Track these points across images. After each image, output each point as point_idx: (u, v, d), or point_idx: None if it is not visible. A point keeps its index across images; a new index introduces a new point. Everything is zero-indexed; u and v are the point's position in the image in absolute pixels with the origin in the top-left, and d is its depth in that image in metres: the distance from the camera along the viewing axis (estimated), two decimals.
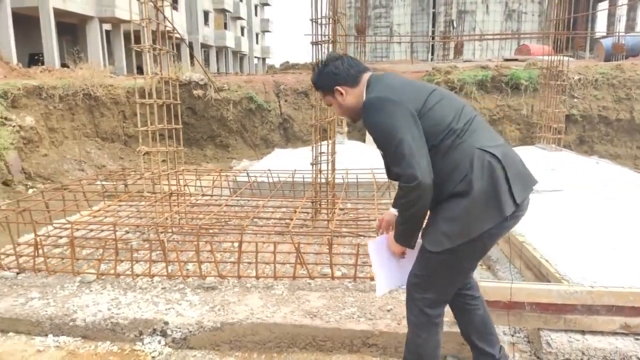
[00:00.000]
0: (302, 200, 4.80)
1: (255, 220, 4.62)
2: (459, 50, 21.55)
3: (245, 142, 11.09)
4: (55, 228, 4.42)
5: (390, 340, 2.70)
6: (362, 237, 4.09)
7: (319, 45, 4.24)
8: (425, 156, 1.90)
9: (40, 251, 3.54)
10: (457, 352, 2.67)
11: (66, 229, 4.33)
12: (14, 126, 8.10)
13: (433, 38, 28.29)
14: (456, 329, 2.65)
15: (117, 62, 24.41)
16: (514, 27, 28.57)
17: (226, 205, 5.04)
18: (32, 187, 7.64)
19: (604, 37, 19.77)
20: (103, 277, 3.44)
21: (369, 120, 2.02)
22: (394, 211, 2.23)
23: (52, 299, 3.14)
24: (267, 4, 59.27)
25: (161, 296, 3.16)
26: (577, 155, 7.53)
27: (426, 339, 2.12)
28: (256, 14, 55.23)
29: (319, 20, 4.21)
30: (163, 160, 4.39)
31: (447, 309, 2.24)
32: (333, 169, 4.72)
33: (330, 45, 4.33)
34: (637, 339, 2.50)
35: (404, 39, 25.79)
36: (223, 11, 42.18)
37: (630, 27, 24.58)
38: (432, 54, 28.42)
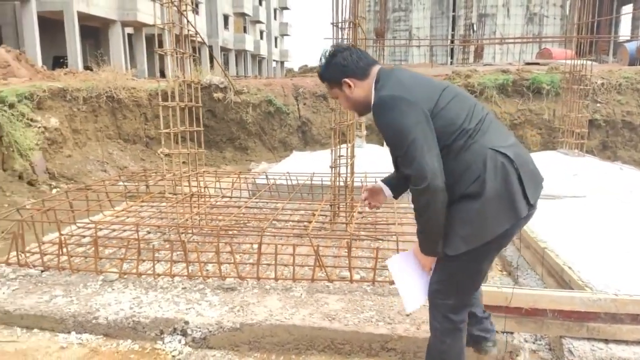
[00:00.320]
0: (321, 203, 4.81)
1: (274, 222, 4.64)
2: (479, 54, 21.39)
3: (264, 144, 11.15)
4: (79, 227, 4.51)
5: (409, 345, 2.69)
6: (380, 241, 4.09)
7: None
8: (436, 158, 1.87)
9: (64, 250, 3.62)
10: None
11: (89, 228, 4.42)
12: (39, 127, 8.27)
13: (452, 41, 28.11)
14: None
15: (138, 65, 24.77)
16: (535, 30, 28.26)
17: (245, 207, 5.08)
18: (55, 187, 7.80)
19: (627, 40, 19.43)
20: (125, 276, 3.49)
21: (380, 119, 1.96)
22: (382, 185, 2.30)
23: (76, 297, 3.21)
24: (287, 8, 59.56)
25: (182, 296, 3.20)
26: (600, 160, 7.40)
27: (450, 345, 2.09)
28: (275, 18, 55.56)
29: (340, 24, 4.23)
30: (183, 162, 4.45)
31: None
32: (352, 172, 4.72)
33: None
34: None
35: (423, 42, 25.68)
36: (243, 15, 42.55)
37: None
38: (452, 58, 28.26)
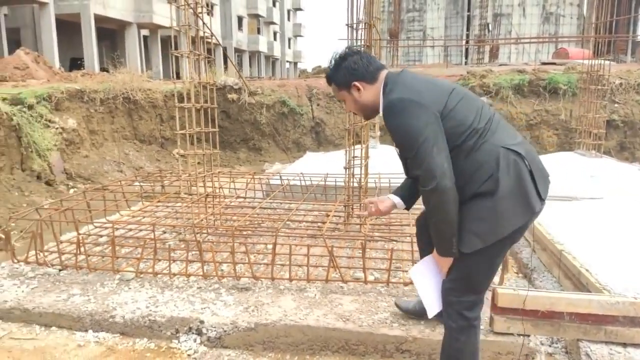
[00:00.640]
0: (335, 204, 4.82)
1: (288, 223, 4.66)
2: (494, 54, 21.22)
3: (278, 145, 11.19)
4: (96, 227, 4.57)
5: (424, 347, 2.68)
6: (394, 242, 4.08)
7: None
8: (446, 159, 1.91)
9: (82, 249, 3.66)
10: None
11: (106, 228, 4.47)
12: (57, 128, 8.40)
13: (467, 42, 27.92)
14: (492, 338, 2.62)
15: (154, 66, 25.03)
16: (551, 30, 27.95)
17: (259, 207, 5.10)
18: (73, 187, 7.91)
19: None
20: (141, 276, 3.53)
21: (391, 122, 2.00)
22: (393, 197, 2.35)
23: (93, 295, 3.25)
24: (300, 9, 59.68)
25: (197, 295, 3.23)
26: (618, 161, 7.29)
27: (465, 342, 2.11)
28: (289, 19, 55.71)
29: (355, 25, 4.23)
30: (198, 163, 4.49)
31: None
32: (366, 173, 4.72)
33: (366, 50, 4.34)
34: None
35: (437, 42, 25.54)
36: (256, 16, 42.76)
37: None
38: (466, 58, 28.06)
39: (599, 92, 7.34)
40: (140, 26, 25.10)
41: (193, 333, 2.91)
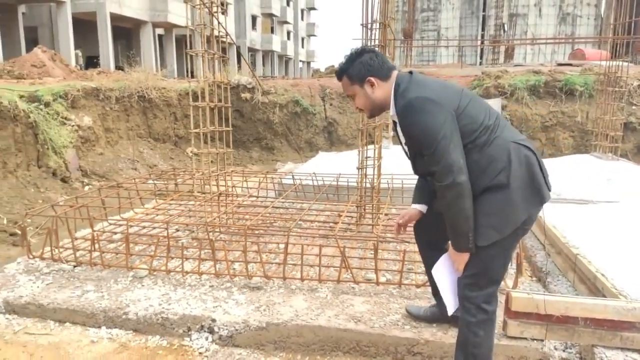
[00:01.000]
0: (347, 204, 4.81)
1: (300, 222, 4.66)
2: (509, 54, 21.02)
3: (290, 145, 11.21)
4: (111, 224, 4.61)
5: (436, 350, 2.66)
6: (407, 243, 4.05)
7: None
8: (461, 155, 1.99)
9: (96, 246, 3.70)
10: None
11: (121, 225, 4.52)
12: (73, 126, 8.50)
13: (482, 42, 27.69)
14: (505, 342, 2.59)
15: (168, 65, 25.23)
16: (568, 31, 27.62)
17: (272, 207, 5.11)
18: (88, 184, 8.00)
19: None
20: (154, 273, 3.56)
21: (409, 120, 2.06)
22: (418, 206, 2.46)
23: (107, 292, 3.28)
24: (314, 8, 59.69)
25: (209, 294, 3.24)
26: (635, 165, 7.17)
27: (484, 337, 2.15)
28: (302, 18, 55.76)
29: (369, 25, 4.21)
30: (211, 161, 4.50)
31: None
32: (379, 174, 4.70)
33: (380, 50, 4.32)
34: None
35: (452, 42, 25.38)
36: (270, 16, 42.86)
37: None
38: (481, 58, 27.84)
39: (616, 94, 7.24)
40: (156, 25, 25.30)
41: (205, 331, 2.93)
